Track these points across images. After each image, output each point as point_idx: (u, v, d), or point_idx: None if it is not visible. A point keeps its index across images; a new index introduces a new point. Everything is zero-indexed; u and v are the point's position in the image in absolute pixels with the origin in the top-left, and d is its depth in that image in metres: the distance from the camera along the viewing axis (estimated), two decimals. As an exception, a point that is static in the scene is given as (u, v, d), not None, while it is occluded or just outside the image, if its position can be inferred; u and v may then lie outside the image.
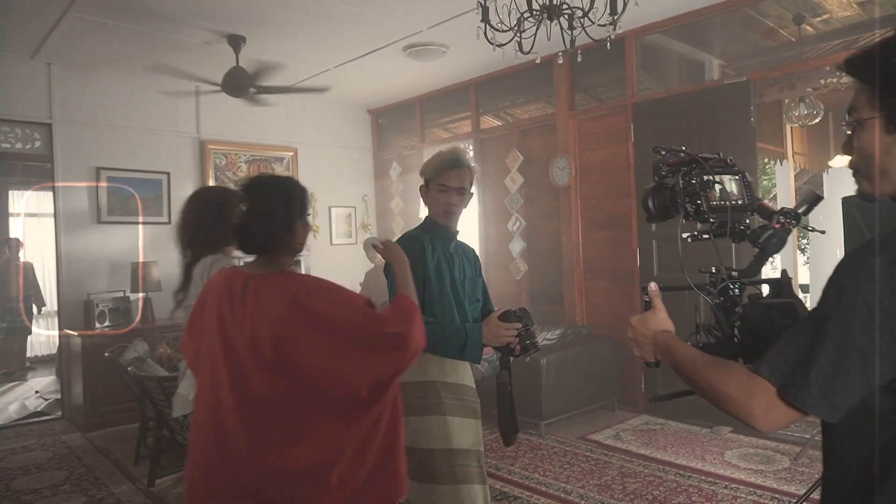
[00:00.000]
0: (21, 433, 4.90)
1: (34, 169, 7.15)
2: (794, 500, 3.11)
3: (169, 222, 5.71)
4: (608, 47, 3.16)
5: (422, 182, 2.26)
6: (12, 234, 8.04)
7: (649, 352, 1.25)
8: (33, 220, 8.13)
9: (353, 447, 1.54)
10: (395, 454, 1.62)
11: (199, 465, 1.59)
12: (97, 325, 4.98)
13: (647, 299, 1.28)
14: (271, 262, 1.61)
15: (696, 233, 1.36)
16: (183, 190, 5.90)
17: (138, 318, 5.25)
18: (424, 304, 2.01)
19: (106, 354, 4.08)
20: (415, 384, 2.01)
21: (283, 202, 1.59)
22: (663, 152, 1.34)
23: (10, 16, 4.20)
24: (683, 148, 1.33)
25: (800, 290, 6.81)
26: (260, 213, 1.57)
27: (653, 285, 1.28)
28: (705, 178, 1.26)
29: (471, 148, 6.22)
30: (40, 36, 4.57)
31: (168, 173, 5.77)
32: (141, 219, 5.59)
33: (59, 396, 5.53)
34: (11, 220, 8.11)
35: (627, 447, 4.08)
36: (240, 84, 4.78)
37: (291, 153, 6.59)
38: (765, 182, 8.44)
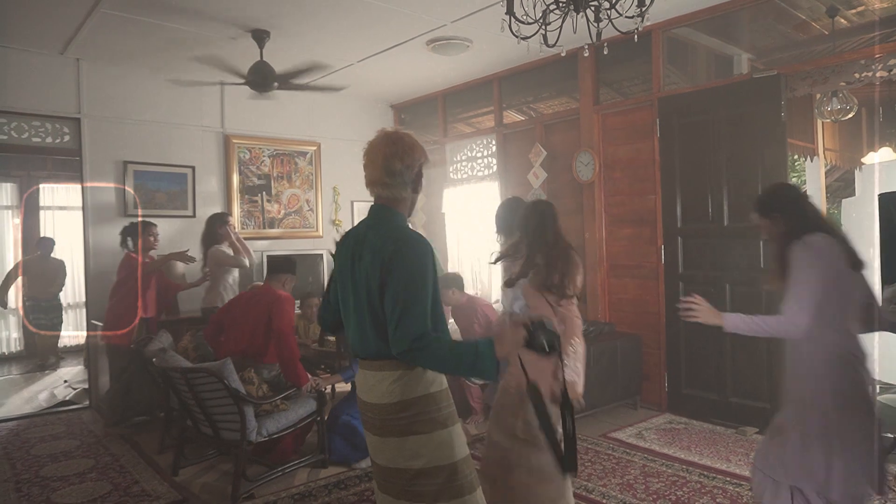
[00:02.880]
0: (50, 421, 5.01)
1: (64, 163, 7.29)
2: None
3: (194, 216, 5.78)
4: (636, 40, 3.10)
5: (408, 165, 1.88)
6: (43, 229, 8.21)
7: None
8: (63, 213, 8.29)
9: None
10: None
11: None
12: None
13: None
14: None
15: None
16: (207, 184, 5.97)
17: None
18: (435, 312, 1.81)
19: (131, 346, 4.14)
20: (436, 395, 1.84)
21: None
22: None
23: (41, 13, 4.28)
24: None
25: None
26: None
27: None
28: None
29: (493, 142, 6.18)
30: (69, 32, 4.65)
31: (193, 167, 5.84)
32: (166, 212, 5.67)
33: (86, 386, 5.64)
34: (42, 213, 8.28)
35: (650, 446, 4.02)
36: (264, 79, 4.81)
37: (314, 147, 6.62)
38: (794, 179, 8.26)
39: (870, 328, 2.24)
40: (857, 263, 2.18)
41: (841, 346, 2.10)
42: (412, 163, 1.88)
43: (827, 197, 6.49)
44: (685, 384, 4.68)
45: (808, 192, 2.58)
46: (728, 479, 3.46)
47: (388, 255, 1.75)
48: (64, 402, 5.60)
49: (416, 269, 1.75)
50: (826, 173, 6.34)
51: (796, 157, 6.18)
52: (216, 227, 5.03)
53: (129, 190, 5.43)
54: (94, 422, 4.95)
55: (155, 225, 4.86)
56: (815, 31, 4.64)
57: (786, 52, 4.89)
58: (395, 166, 1.86)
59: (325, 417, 3.84)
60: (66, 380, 6.57)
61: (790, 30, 4.72)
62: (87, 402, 5.45)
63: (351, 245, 1.91)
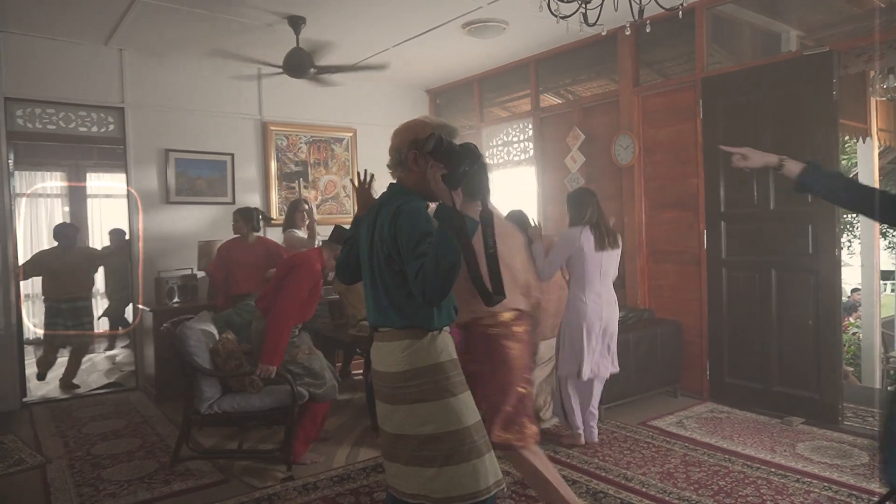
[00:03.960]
0: (100, 401, 5.19)
1: (109, 151, 7.47)
2: (877, 499, 2.93)
3: (233, 202, 5.88)
4: (680, 16, 3.00)
5: (397, 147, 1.97)
6: (91, 216, 8.47)
7: None
8: (109, 200, 8.54)
9: None
10: None
11: None
12: (167, 301, 5.19)
13: None
14: None
15: None
16: (246, 171, 6.06)
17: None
18: None
19: (161, 328, 4.27)
20: (445, 364, 1.92)
21: None
22: None
23: (85, 5, 4.37)
24: None
25: (880, 275, 6.38)
26: None
27: None
28: None
29: (530, 126, 6.10)
30: (112, 23, 4.74)
31: (232, 154, 5.93)
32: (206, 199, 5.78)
33: (133, 368, 5.82)
34: (89, 201, 8.55)
35: (691, 435, 3.95)
36: (300, 65, 4.83)
37: (351, 134, 6.64)
38: (844, 161, 7.94)
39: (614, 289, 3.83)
40: (600, 246, 3.63)
41: (577, 295, 3.67)
42: (400, 144, 1.99)
43: (880, 179, 6.20)
44: (728, 372, 4.57)
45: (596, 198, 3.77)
46: (773, 469, 3.37)
47: (394, 231, 1.86)
48: (113, 384, 5.81)
49: (412, 231, 1.81)
50: (879, 154, 6.07)
51: (847, 137, 5.93)
52: (294, 213, 5.27)
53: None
54: (140, 402, 5.12)
55: (259, 210, 5.13)
56: (869, 4, 4.41)
57: (838, 28, 4.67)
58: (392, 150, 2.03)
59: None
60: (114, 362, 6.80)
61: (843, 4, 4.50)
62: (134, 384, 5.63)
63: (368, 219, 2.05)
